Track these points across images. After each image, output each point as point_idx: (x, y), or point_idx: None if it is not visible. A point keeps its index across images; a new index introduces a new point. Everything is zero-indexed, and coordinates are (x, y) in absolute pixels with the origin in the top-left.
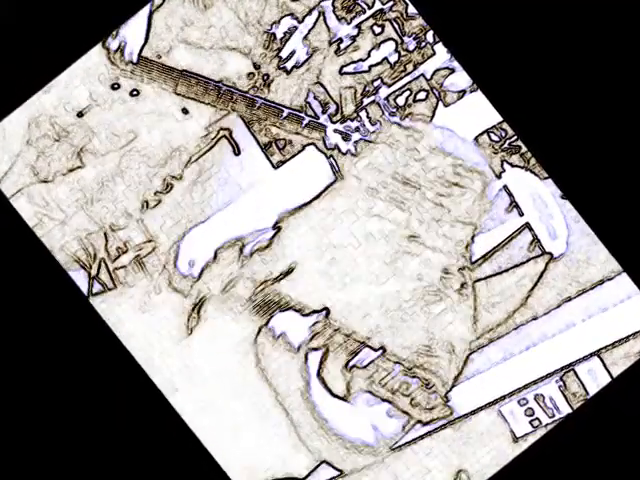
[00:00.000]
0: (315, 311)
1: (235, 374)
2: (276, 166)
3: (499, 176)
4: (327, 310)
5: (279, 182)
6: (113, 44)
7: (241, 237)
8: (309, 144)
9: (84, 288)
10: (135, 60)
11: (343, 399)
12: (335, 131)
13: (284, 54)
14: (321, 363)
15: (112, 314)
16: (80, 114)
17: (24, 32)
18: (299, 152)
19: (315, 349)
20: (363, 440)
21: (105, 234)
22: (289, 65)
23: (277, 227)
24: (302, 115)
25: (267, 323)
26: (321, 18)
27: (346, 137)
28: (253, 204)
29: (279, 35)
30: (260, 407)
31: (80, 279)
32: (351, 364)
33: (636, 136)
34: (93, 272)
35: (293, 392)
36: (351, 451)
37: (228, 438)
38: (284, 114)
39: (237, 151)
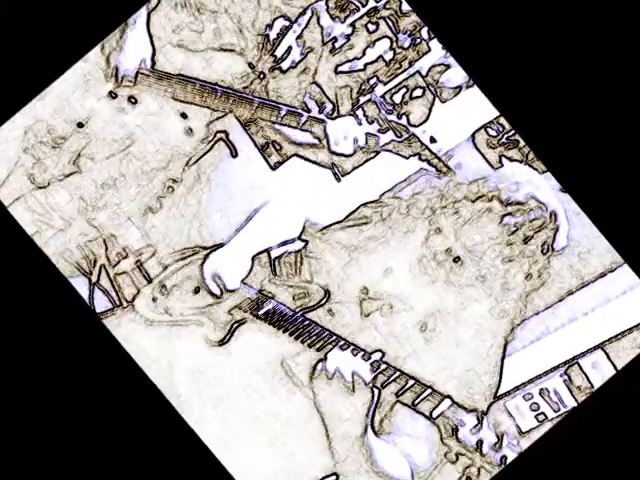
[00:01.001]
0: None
1: (269, 393)
2: (274, 167)
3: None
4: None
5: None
6: (112, 53)
7: (269, 248)
8: (295, 154)
9: (85, 295)
10: (148, 72)
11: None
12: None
13: (279, 54)
14: (375, 406)
15: (122, 329)
16: (80, 124)
17: (19, 38)
18: (296, 152)
19: (377, 387)
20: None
21: (105, 240)
22: (285, 65)
23: (304, 240)
24: (300, 112)
25: (319, 353)
26: (314, 18)
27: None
28: (277, 214)
29: (272, 36)
30: (297, 432)
31: (81, 286)
32: (436, 414)
33: (633, 126)
34: (94, 279)
35: (341, 424)
36: None
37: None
38: (282, 112)
39: (234, 153)
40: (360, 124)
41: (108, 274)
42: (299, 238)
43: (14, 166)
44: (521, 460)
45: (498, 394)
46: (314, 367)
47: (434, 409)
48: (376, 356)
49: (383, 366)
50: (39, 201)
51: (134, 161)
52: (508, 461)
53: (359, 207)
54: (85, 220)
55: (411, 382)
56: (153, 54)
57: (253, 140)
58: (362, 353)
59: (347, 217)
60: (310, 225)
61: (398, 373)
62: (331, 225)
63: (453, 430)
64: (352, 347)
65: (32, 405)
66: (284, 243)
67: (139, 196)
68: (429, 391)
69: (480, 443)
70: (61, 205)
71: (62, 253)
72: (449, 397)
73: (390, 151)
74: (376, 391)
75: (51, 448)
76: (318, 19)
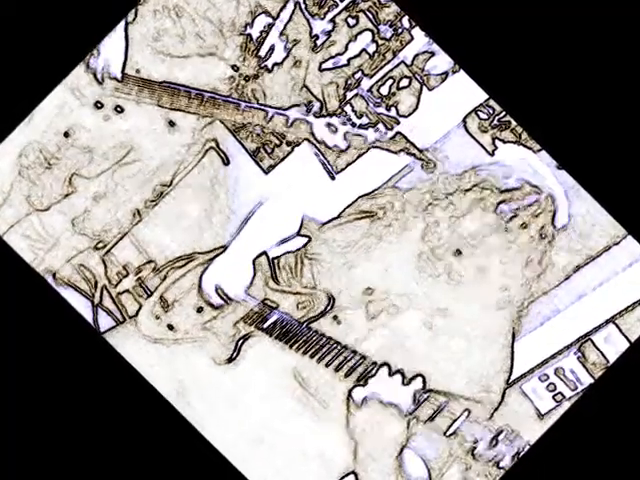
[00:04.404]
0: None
1: (285, 406)
2: (267, 171)
3: (492, 154)
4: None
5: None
6: (94, 65)
7: (266, 251)
8: (298, 144)
9: (89, 317)
10: (119, 78)
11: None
12: (326, 125)
13: (263, 53)
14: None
15: (128, 345)
16: (66, 134)
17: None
18: (289, 154)
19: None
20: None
21: (103, 260)
22: (270, 63)
23: (304, 236)
24: (287, 114)
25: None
26: (297, 10)
27: (335, 130)
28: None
29: (255, 35)
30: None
31: (83, 309)
32: (451, 432)
33: (624, 95)
34: (96, 300)
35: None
36: None
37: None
38: (269, 115)
39: (226, 161)
40: (349, 119)
41: (110, 294)
42: (298, 234)
43: (8, 193)
44: (543, 441)
45: (512, 379)
46: (349, 395)
47: (450, 425)
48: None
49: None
50: (35, 227)
51: (125, 172)
52: (532, 442)
53: (356, 200)
54: (82, 241)
55: (425, 395)
56: (124, 63)
57: (244, 145)
58: (399, 377)
59: (344, 211)
60: (308, 221)
61: (442, 405)
62: (330, 221)
63: (471, 448)
64: (388, 371)
65: (39, 425)
66: (283, 242)
67: (133, 208)
68: (445, 403)
69: (498, 462)
70: (57, 228)
71: (62, 277)
72: (467, 410)
73: (379, 148)
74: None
75: (62, 467)
76: (302, 10)
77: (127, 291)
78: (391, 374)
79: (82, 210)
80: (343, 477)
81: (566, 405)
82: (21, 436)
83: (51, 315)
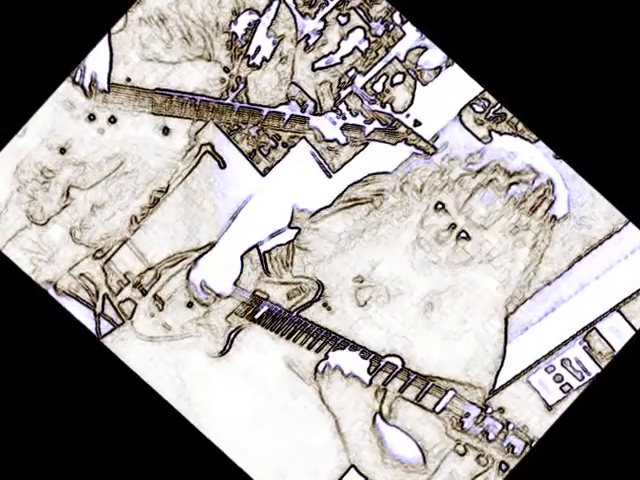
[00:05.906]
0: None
1: (277, 395)
2: (264, 173)
3: None
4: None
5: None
6: (82, 79)
7: (258, 244)
8: (294, 144)
9: (91, 326)
10: (106, 89)
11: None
12: (324, 119)
13: (251, 51)
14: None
15: (125, 347)
16: (63, 150)
17: None
18: (285, 155)
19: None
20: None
21: (104, 269)
22: (258, 60)
23: (295, 227)
24: (282, 112)
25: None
26: (283, 6)
27: (333, 123)
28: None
29: (240, 32)
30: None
31: (86, 318)
32: (439, 408)
33: (618, 83)
34: (98, 309)
35: (354, 422)
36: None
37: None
38: (264, 114)
39: (222, 165)
40: (344, 118)
41: (112, 303)
42: (289, 226)
43: (6, 206)
44: (552, 433)
45: (518, 372)
46: (316, 368)
47: (438, 403)
48: (364, 353)
49: (382, 363)
50: (32, 239)
51: (122, 180)
52: (540, 434)
53: (347, 188)
54: (81, 251)
55: (412, 376)
56: (112, 73)
57: (239, 148)
58: (360, 351)
59: (336, 200)
60: (299, 212)
61: (399, 369)
62: (321, 210)
63: (458, 422)
64: (351, 347)
65: (39, 426)
66: (274, 235)
67: (130, 216)
68: (431, 384)
69: (486, 433)
70: (55, 240)
71: (63, 288)
72: (452, 389)
73: (376, 140)
74: (381, 391)
75: (62, 467)
76: (288, 6)
77: (128, 299)
78: (365, 357)
79: (80, 220)
80: (346, 471)
81: (574, 395)
82: (21, 437)
83: (51, 326)
